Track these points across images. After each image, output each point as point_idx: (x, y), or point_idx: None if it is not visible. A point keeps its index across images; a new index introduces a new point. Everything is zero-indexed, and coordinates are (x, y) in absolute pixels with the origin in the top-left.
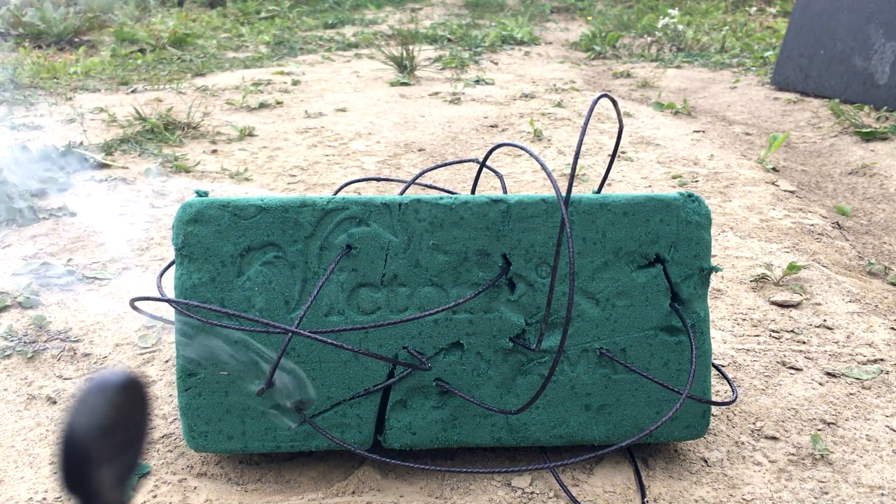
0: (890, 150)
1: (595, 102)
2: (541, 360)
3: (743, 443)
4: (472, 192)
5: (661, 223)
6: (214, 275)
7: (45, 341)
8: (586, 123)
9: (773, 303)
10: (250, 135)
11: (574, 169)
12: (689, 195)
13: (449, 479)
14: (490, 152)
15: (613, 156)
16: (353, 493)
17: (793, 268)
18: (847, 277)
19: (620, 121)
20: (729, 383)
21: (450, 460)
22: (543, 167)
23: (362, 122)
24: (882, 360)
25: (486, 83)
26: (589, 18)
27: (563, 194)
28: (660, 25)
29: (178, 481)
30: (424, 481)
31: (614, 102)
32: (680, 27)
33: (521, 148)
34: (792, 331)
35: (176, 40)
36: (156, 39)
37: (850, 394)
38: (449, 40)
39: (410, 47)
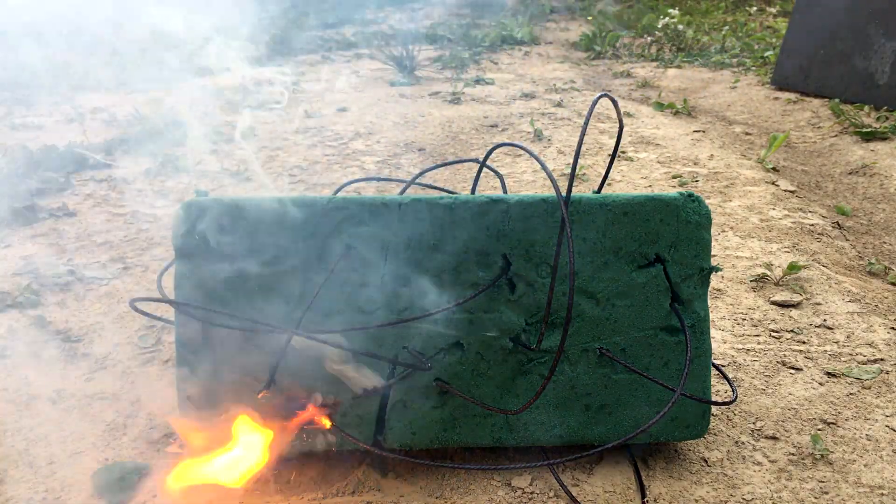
0: (890, 150)
1: (595, 102)
2: (541, 360)
3: (743, 443)
4: (472, 192)
5: (661, 223)
6: (214, 274)
7: (45, 341)
8: (586, 123)
9: (773, 303)
10: (250, 135)
11: (574, 169)
12: (689, 195)
13: (449, 479)
14: (490, 152)
15: (613, 156)
16: (353, 493)
17: (793, 268)
18: (847, 277)
19: (620, 121)
20: (729, 383)
21: (450, 460)
22: (543, 167)
23: (362, 122)
24: (882, 360)
25: (486, 83)
26: (589, 18)
27: (563, 194)
28: (660, 25)
29: None
30: (424, 481)
31: (615, 103)
32: (680, 27)
33: (521, 147)
34: (792, 331)
35: None
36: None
37: (850, 394)
38: (449, 40)
39: (410, 47)
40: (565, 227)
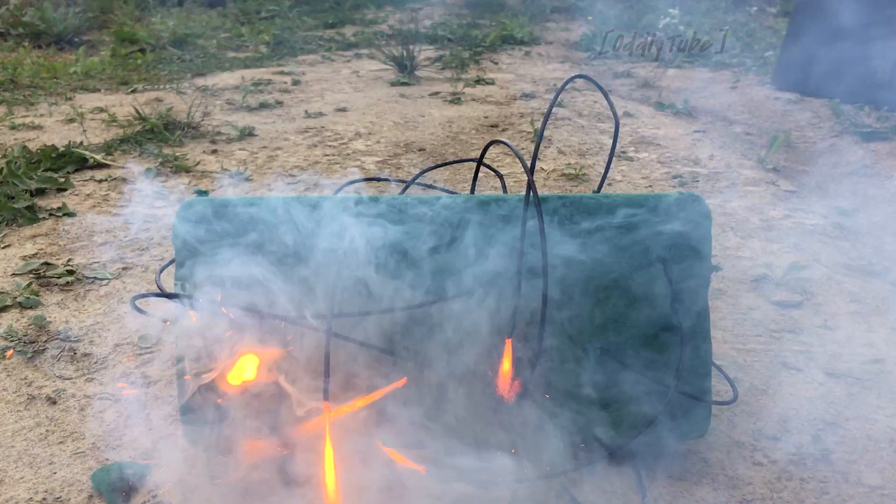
0: (890, 150)
1: (569, 81)
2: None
3: (743, 443)
4: (472, 191)
5: (661, 223)
6: (214, 274)
7: (45, 341)
8: (555, 98)
9: (774, 303)
10: (250, 135)
11: (541, 137)
12: (690, 195)
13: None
14: (485, 150)
15: (611, 155)
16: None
17: (793, 268)
18: (847, 277)
19: (616, 115)
20: (729, 383)
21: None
22: (516, 153)
23: (362, 122)
24: (882, 360)
25: (487, 83)
26: (589, 18)
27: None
28: (660, 25)
29: (178, 481)
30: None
31: (604, 93)
32: (680, 27)
33: (505, 143)
34: (792, 331)
35: (176, 40)
36: (156, 39)
37: (850, 394)
38: (449, 40)
39: (410, 47)
40: (538, 215)
